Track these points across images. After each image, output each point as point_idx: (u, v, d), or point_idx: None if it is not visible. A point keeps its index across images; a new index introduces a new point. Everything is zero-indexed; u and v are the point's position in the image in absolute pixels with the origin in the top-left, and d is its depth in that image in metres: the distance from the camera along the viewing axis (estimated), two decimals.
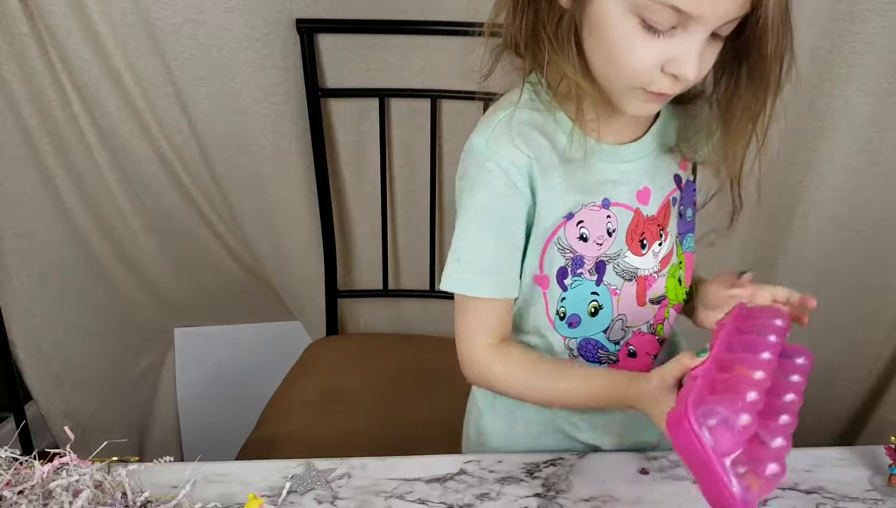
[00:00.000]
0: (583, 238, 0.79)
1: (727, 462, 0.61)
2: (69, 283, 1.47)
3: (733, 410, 0.62)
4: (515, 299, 0.82)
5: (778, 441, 0.64)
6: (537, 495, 0.76)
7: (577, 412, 0.87)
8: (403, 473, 0.79)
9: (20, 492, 0.69)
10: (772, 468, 0.62)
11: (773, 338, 0.71)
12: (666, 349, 0.89)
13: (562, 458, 0.82)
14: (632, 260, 0.81)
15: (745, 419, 0.61)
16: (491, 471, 0.80)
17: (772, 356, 0.69)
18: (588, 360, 0.84)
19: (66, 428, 0.75)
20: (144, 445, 1.73)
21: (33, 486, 0.69)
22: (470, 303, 0.80)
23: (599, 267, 0.80)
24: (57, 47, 1.26)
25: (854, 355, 1.51)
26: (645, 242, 0.81)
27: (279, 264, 1.55)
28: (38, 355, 1.42)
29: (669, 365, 0.70)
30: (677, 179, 0.84)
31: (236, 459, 1.18)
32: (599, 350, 0.83)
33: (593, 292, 0.81)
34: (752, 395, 0.63)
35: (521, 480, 0.79)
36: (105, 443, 0.75)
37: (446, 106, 1.38)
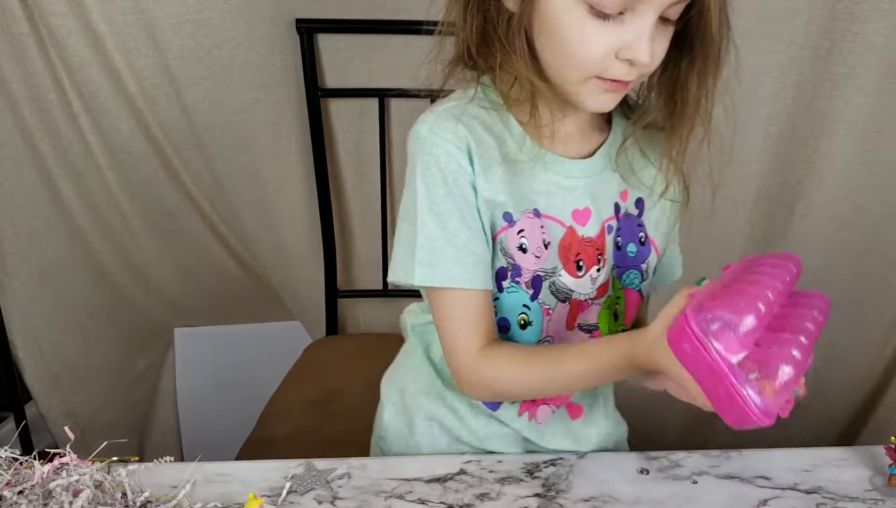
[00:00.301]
0: (522, 248, 0.77)
1: (734, 360, 0.57)
2: (69, 283, 1.47)
3: (736, 311, 0.58)
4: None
5: (794, 352, 0.60)
6: (537, 495, 0.76)
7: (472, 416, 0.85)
8: (403, 473, 0.79)
9: (20, 492, 0.69)
10: (785, 370, 0.58)
11: (782, 273, 0.67)
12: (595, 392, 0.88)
13: (562, 458, 0.82)
14: (567, 280, 0.79)
15: (749, 321, 0.58)
16: (491, 471, 0.80)
17: (780, 284, 0.65)
18: None
19: (66, 428, 0.74)
20: (144, 445, 1.73)
21: (33, 486, 0.69)
22: (454, 297, 0.76)
23: (535, 282, 0.78)
24: (57, 47, 1.26)
25: (854, 355, 1.51)
26: (581, 264, 0.79)
27: (279, 264, 1.55)
28: (38, 355, 1.42)
29: (669, 306, 0.67)
30: (616, 207, 0.82)
31: (236, 459, 1.18)
32: None
33: (525, 305, 0.79)
34: (756, 300, 0.60)
35: (521, 480, 0.78)
36: (105, 443, 0.75)
37: None
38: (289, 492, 0.76)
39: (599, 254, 0.80)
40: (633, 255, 0.83)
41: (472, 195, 0.75)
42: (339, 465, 0.80)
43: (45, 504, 0.68)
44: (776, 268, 0.68)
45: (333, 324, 1.55)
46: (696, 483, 0.78)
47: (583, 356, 0.75)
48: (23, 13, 1.23)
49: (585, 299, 0.81)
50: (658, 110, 0.77)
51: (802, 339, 0.62)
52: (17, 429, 1.35)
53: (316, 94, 1.35)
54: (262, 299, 1.68)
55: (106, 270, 1.53)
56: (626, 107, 0.83)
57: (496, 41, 0.72)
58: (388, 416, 0.92)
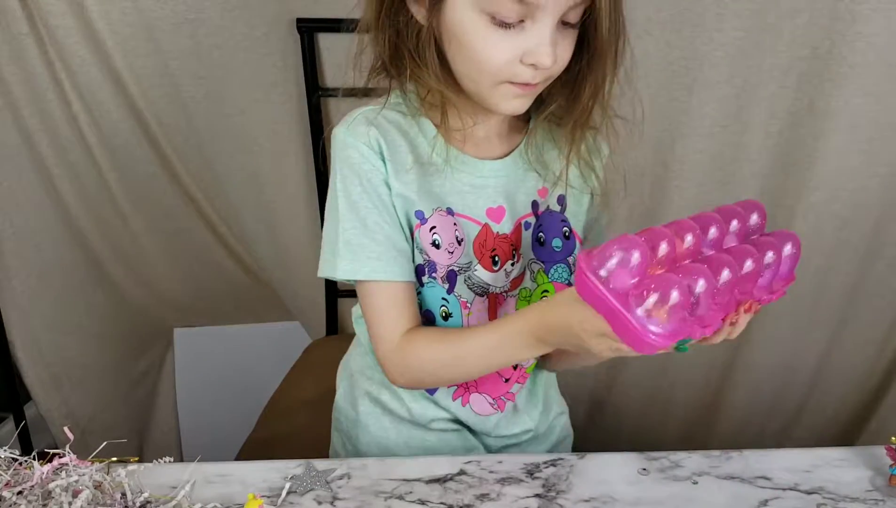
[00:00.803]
0: (435, 245, 0.81)
1: (624, 291, 0.61)
2: (69, 283, 1.46)
3: (626, 248, 0.61)
4: None
5: (693, 279, 0.61)
6: (537, 495, 0.76)
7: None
8: (403, 473, 0.79)
9: (19, 492, 0.69)
10: (673, 295, 0.60)
11: (715, 216, 0.68)
12: (530, 382, 0.91)
13: (562, 458, 0.82)
14: (482, 274, 0.83)
15: (636, 255, 0.61)
16: (491, 472, 0.80)
17: (702, 224, 0.67)
18: None
19: (66, 429, 0.74)
20: (144, 445, 1.73)
21: (33, 486, 0.69)
22: (376, 289, 0.80)
23: (450, 276, 0.82)
24: (57, 47, 1.26)
25: (854, 355, 1.51)
26: (497, 258, 0.83)
27: (279, 264, 1.55)
28: (37, 355, 1.42)
29: None
30: (534, 205, 0.86)
31: (236, 459, 1.18)
32: None
33: (443, 299, 0.82)
34: (654, 237, 0.62)
35: (521, 480, 0.78)
36: (105, 443, 0.75)
37: None
38: (289, 492, 0.76)
39: (514, 249, 0.84)
40: (558, 249, 0.87)
41: (386, 193, 0.79)
42: (339, 465, 0.80)
43: (45, 505, 0.68)
44: (713, 214, 0.69)
45: (333, 324, 1.55)
46: (696, 483, 0.78)
47: (494, 326, 0.78)
48: (23, 13, 1.23)
49: (501, 293, 0.84)
50: (559, 105, 0.81)
51: (708, 269, 0.63)
52: (17, 429, 1.35)
53: (316, 94, 1.34)
54: (262, 299, 1.68)
55: (106, 270, 1.53)
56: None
57: (406, 54, 0.76)
58: (339, 399, 0.97)
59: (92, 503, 0.68)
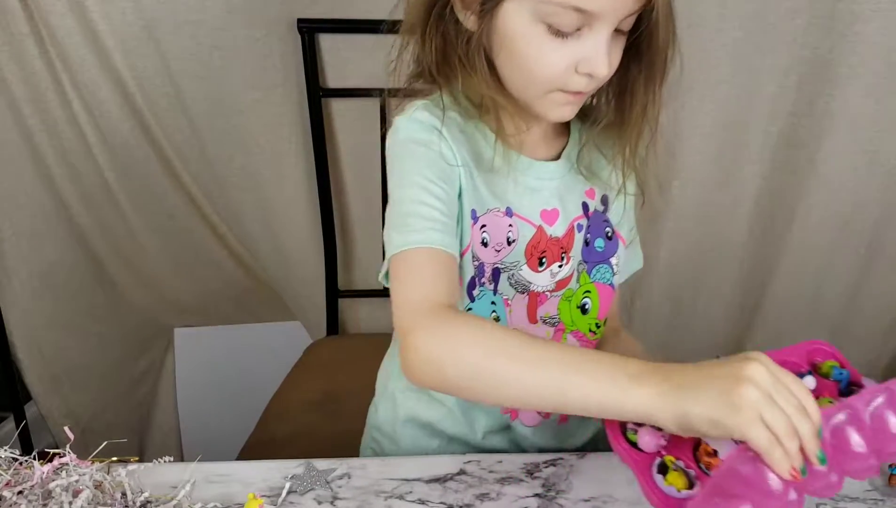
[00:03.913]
0: (483, 243, 0.79)
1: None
2: (69, 283, 1.47)
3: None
4: None
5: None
6: (537, 495, 0.76)
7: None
8: (403, 473, 0.79)
9: (20, 492, 0.69)
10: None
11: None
12: None
13: (562, 458, 0.82)
14: (526, 273, 0.82)
15: None
16: (491, 471, 0.80)
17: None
18: None
19: (66, 428, 0.75)
20: (144, 445, 1.73)
21: (33, 486, 0.69)
22: (422, 254, 0.71)
23: (495, 275, 0.80)
24: (57, 47, 1.26)
25: (854, 355, 1.50)
26: (544, 260, 0.82)
27: (279, 264, 1.55)
28: (38, 355, 1.42)
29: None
30: (584, 206, 0.85)
31: (236, 459, 1.18)
32: None
33: (492, 302, 0.81)
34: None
35: (521, 480, 0.78)
36: (105, 443, 0.75)
37: None
38: (289, 492, 0.76)
39: (564, 252, 0.83)
40: (601, 250, 0.86)
41: (455, 174, 0.76)
42: (339, 465, 0.80)
43: (45, 505, 0.68)
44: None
45: (333, 324, 1.55)
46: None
47: (581, 348, 0.70)
48: (23, 13, 1.23)
49: (544, 292, 0.83)
50: (609, 114, 0.81)
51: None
52: (17, 429, 1.35)
53: (317, 94, 1.34)
54: (262, 299, 1.68)
55: (106, 270, 1.53)
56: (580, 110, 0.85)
57: (456, 61, 0.75)
58: (379, 421, 0.94)
59: (92, 503, 0.69)
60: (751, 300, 1.50)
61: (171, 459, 0.76)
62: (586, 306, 0.86)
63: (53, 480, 0.69)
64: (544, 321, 0.84)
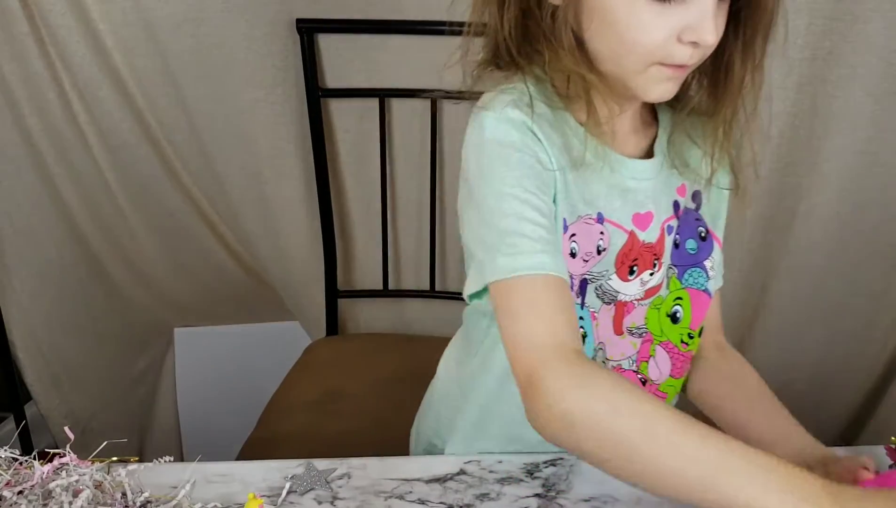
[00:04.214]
0: (572, 254, 0.72)
1: None
2: (69, 283, 1.47)
3: None
4: None
5: None
6: (537, 495, 0.76)
7: None
8: (403, 473, 0.79)
9: (20, 492, 0.69)
10: None
11: None
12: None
13: (562, 458, 0.82)
14: (615, 283, 0.75)
15: None
16: (491, 471, 0.80)
17: None
18: None
19: (66, 428, 0.74)
20: (144, 445, 1.73)
21: (33, 486, 0.69)
22: (536, 284, 0.64)
23: (582, 286, 0.74)
24: (57, 47, 1.26)
25: (854, 355, 1.51)
26: (635, 268, 0.75)
27: (279, 264, 1.55)
28: (38, 355, 1.42)
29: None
30: (675, 205, 0.78)
31: (236, 459, 1.18)
32: None
33: (580, 317, 0.74)
34: None
35: (521, 480, 0.78)
36: (105, 443, 0.74)
37: (446, 106, 1.38)
38: (289, 492, 0.76)
39: (656, 258, 0.76)
40: (693, 252, 0.79)
41: (549, 177, 0.68)
42: (339, 465, 0.80)
43: (45, 505, 0.68)
44: None
45: (333, 324, 1.55)
46: None
47: (741, 445, 0.56)
48: (23, 13, 1.23)
49: (631, 301, 0.77)
50: (701, 94, 0.73)
51: None
52: (17, 429, 1.35)
53: (316, 94, 1.34)
54: (262, 299, 1.68)
55: (106, 270, 1.53)
56: None
57: (540, 37, 0.68)
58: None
59: (92, 502, 0.68)
60: (751, 300, 1.50)
61: (171, 459, 0.76)
62: (677, 315, 0.79)
63: (53, 480, 0.69)
64: (630, 332, 0.78)
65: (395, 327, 1.61)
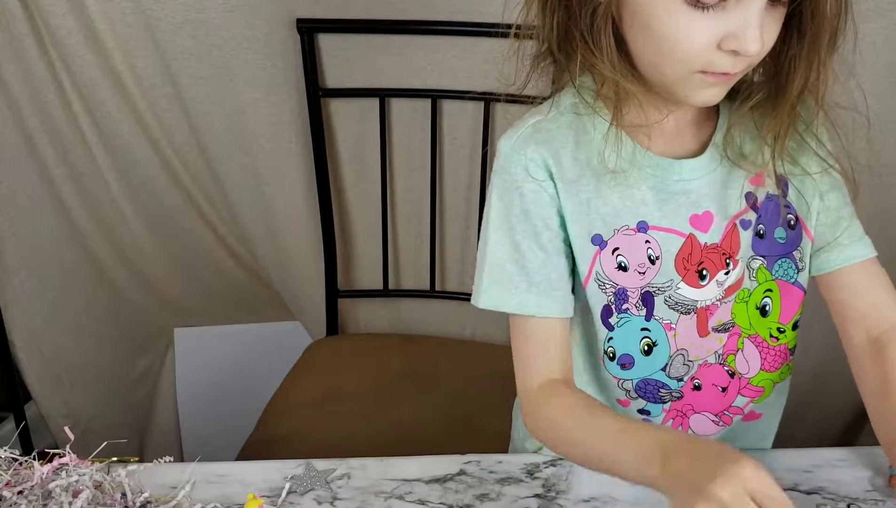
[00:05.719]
0: (622, 267, 0.72)
1: None
2: (69, 283, 1.47)
3: None
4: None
5: None
6: (537, 495, 0.76)
7: None
8: (403, 473, 0.79)
9: (20, 492, 0.69)
10: None
11: None
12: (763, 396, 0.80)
13: (562, 459, 0.82)
14: (687, 292, 0.73)
15: None
16: (491, 472, 0.80)
17: None
18: (648, 401, 0.78)
19: (66, 428, 0.74)
20: (144, 445, 1.73)
21: (33, 486, 0.69)
22: (525, 325, 0.73)
23: (646, 299, 0.73)
24: (57, 47, 1.26)
25: None
26: (705, 272, 0.73)
27: (279, 264, 1.55)
28: (38, 355, 1.42)
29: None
30: (750, 197, 0.74)
31: (236, 459, 1.18)
32: (660, 390, 0.78)
33: (643, 329, 0.74)
34: None
35: (521, 480, 0.78)
36: (105, 443, 0.75)
37: (446, 106, 1.38)
38: (289, 492, 0.76)
39: (728, 257, 0.74)
40: (782, 241, 0.75)
41: (552, 218, 0.71)
42: (339, 465, 0.80)
43: (45, 505, 0.68)
44: None
45: (333, 324, 1.55)
46: None
47: (626, 420, 0.69)
48: (23, 13, 1.23)
49: (713, 303, 0.74)
50: (762, 90, 0.70)
51: None
52: (17, 429, 1.35)
53: (316, 94, 1.34)
54: (262, 299, 1.68)
55: (106, 270, 1.53)
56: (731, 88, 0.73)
57: (577, 36, 0.66)
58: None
59: (92, 503, 0.69)
60: None
61: (171, 459, 0.76)
62: (767, 308, 0.76)
63: (53, 480, 0.69)
64: (716, 330, 0.76)
65: (394, 326, 1.61)
